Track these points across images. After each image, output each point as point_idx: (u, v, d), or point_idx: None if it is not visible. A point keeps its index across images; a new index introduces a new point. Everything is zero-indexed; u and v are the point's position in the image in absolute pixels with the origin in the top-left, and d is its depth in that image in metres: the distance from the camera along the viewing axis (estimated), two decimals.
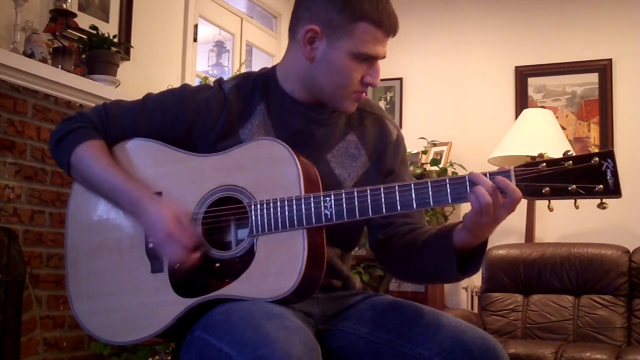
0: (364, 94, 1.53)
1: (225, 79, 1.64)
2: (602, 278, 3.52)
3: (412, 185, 1.34)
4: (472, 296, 4.50)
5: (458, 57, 4.96)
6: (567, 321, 3.50)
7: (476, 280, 4.25)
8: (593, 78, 4.58)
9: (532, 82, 4.74)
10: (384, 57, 1.50)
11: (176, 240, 1.41)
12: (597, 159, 1.24)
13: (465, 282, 4.60)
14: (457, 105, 4.92)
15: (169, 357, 3.12)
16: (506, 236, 4.46)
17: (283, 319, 1.29)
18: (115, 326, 1.50)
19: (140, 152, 1.55)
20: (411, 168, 4.44)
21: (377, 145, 1.61)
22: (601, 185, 1.24)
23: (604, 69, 4.55)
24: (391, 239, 1.56)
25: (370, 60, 1.47)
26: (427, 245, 1.47)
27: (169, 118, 1.54)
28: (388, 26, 1.46)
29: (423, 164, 4.56)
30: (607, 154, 1.24)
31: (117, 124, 1.56)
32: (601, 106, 4.55)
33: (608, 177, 1.23)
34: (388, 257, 1.58)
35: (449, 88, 4.96)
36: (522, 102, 4.72)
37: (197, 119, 1.53)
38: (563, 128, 4.34)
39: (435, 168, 4.47)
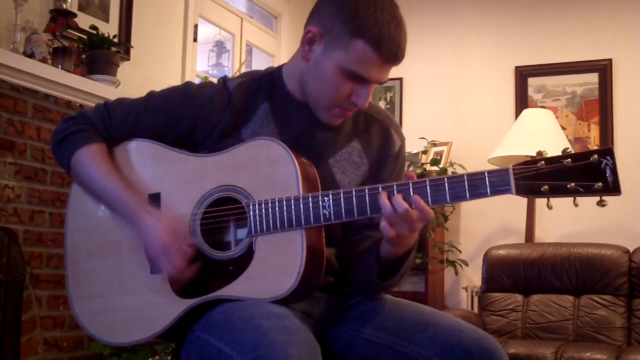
0: (349, 112, 1.50)
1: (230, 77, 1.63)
2: (602, 278, 3.51)
3: (411, 184, 1.33)
4: (472, 296, 4.50)
5: (458, 57, 4.96)
6: (567, 321, 3.50)
7: (476, 280, 4.25)
8: (593, 78, 4.58)
9: (532, 82, 4.74)
10: (380, 83, 1.46)
11: (171, 256, 1.41)
12: (596, 156, 1.23)
13: (465, 282, 4.60)
14: (457, 105, 4.92)
15: (169, 357, 3.12)
16: (506, 236, 4.46)
17: (283, 319, 1.29)
18: (115, 327, 1.50)
19: (139, 152, 1.54)
20: (411, 168, 4.46)
21: (379, 155, 1.60)
22: (600, 183, 1.22)
23: (604, 69, 4.54)
24: (348, 245, 1.57)
25: (361, 80, 1.43)
26: (361, 254, 1.51)
27: (172, 115, 1.53)
28: (387, 52, 1.39)
29: (423, 164, 4.56)
30: (606, 151, 1.23)
31: (120, 123, 1.55)
32: (601, 106, 4.55)
33: (607, 175, 1.22)
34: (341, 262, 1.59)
35: (449, 88, 4.96)
36: (522, 102, 4.72)
37: (200, 115, 1.52)
38: (563, 128, 4.33)
39: (435, 168, 4.47)
